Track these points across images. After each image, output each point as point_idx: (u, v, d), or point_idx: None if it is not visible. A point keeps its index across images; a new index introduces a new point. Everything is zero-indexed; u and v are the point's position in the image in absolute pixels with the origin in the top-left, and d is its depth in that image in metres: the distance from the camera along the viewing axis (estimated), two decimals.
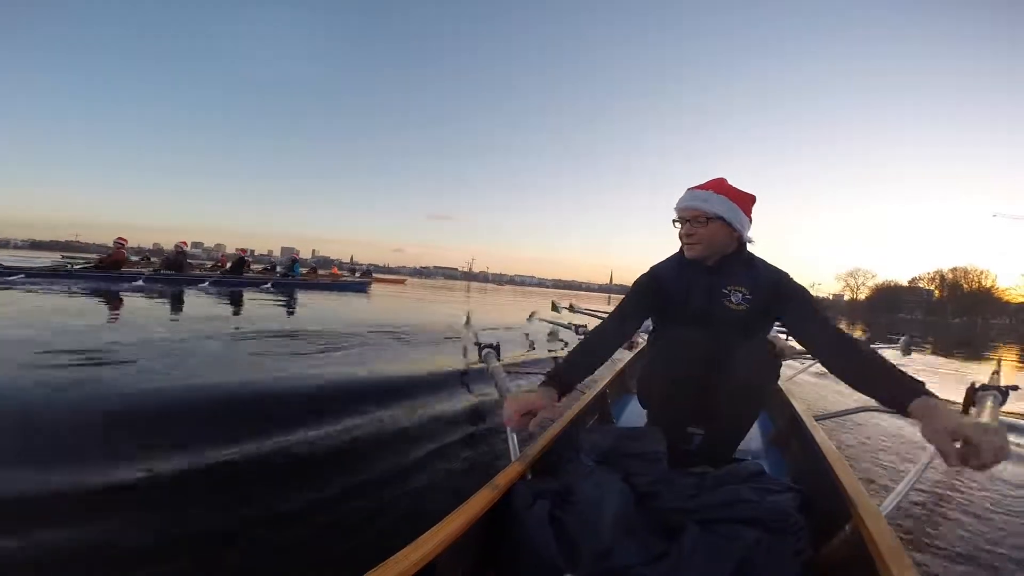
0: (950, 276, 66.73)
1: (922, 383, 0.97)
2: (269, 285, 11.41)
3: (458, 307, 11.58)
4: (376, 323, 6.27)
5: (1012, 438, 2.55)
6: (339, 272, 16.96)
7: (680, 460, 1.22)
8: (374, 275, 19.90)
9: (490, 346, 2.25)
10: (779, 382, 1.79)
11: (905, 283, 72.98)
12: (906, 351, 4.03)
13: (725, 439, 1.36)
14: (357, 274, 16.96)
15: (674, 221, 1.38)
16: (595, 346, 1.35)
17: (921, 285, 70.88)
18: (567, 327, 4.78)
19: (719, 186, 1.33)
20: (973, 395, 1.93)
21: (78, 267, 9.12)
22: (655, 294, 1.41)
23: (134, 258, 10.58)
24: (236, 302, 7.79)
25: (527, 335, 4.73)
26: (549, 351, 4.13)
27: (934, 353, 9.58)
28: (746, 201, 1.34)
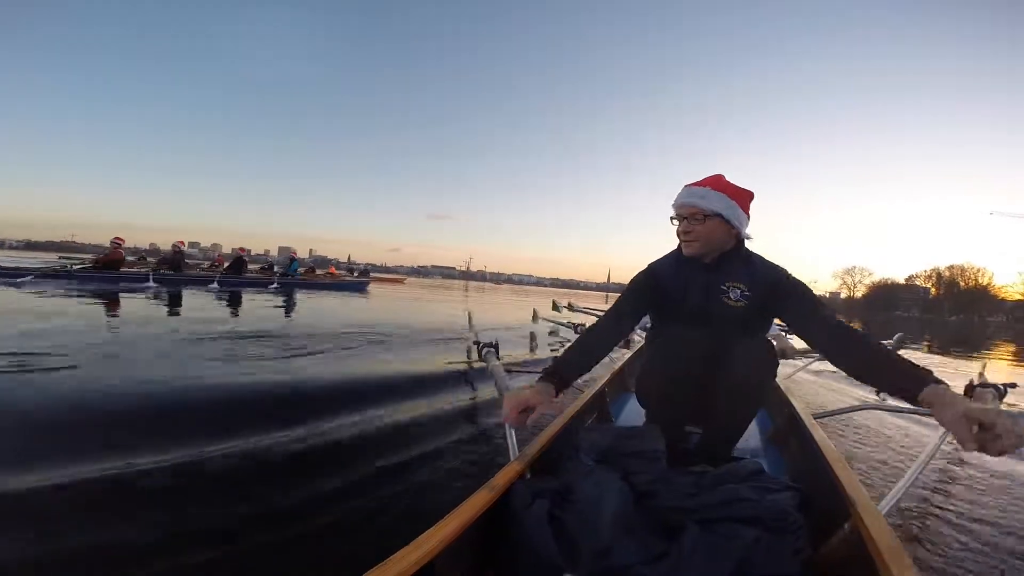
0: (947, 274, 66.97)
1: (930, 371, 0.96)
2: (276, 285, 11.60)
3: (459, 306, 11.59)
4: (383, 323, 6.28)
5: None
6: (336, 272, 16.90)
7: (679, 459, 1.22)
8: (372, 275, 19.87)
9: (490, 345, 2.29)
10: (777, 380, 1.79)
11: (902, 281, 73.23)
12: (897, 349, 4.04)
13: (723, 437, 1.36)
14: (355, 274, 16.92)
15: (672, 218, 1.37)
16: (592, 343, 1.35)
17: (918, 283, 71.09)
18: (567, 326, 4.79)
19: (716, 183, 1.32)
20: (971, 392, 1.93)
21: (76, 268, 9.09)
22: (653, 291, 1.40)
23: (130, 258, 10.54)
24: (245, 301, 7.78)
25: (532, 333, 4.70)
26: (551, 350, 4.13)
27: (930, 351, 9.61)
28: (744, 197, 1.33)
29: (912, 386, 0.94)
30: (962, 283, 64.59)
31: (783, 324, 1.41)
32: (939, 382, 0.93)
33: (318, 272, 15.56)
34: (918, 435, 2.53)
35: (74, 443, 1.80)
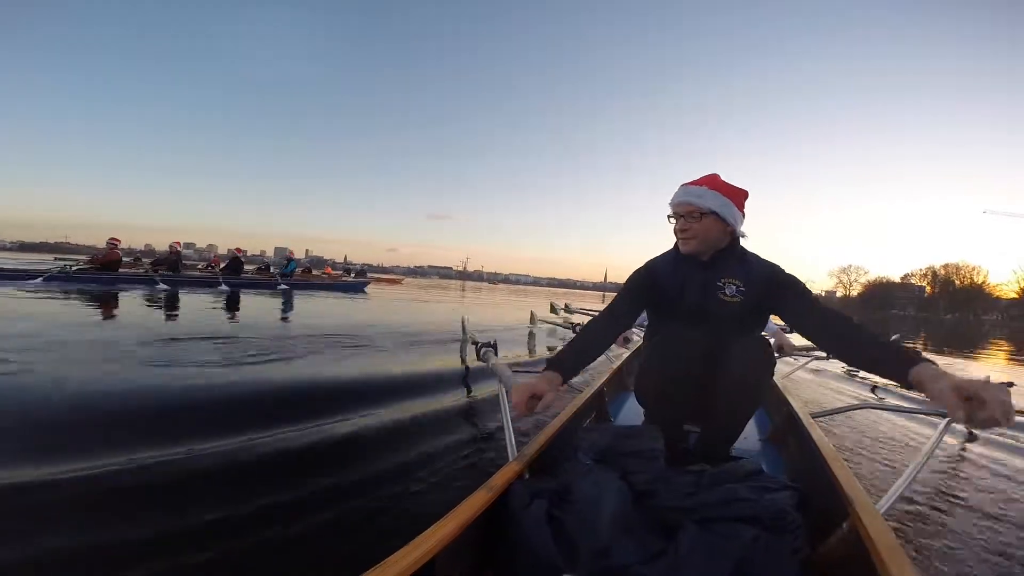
0: (942, 272, 67.32)
1: (919, 352, 0.98)
2: (284, 286, 11.70)
3: (458, 305, 11.54)
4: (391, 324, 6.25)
5: (1012, 434, 2.58)
6: (332, 272, 16.84)
7: (678, 458, 1.23)
8: (370, 275, 19.83)
9: (488, 344, 2.30)
10: (776, 379, 1.79)
11: (897, 279, 73.56)
12: None
13: (722, 436, 1.37)
14: (352, 274, 16.87)
15: (669, 217, 1.40)
16: (592, 336, 1.37)
17: (913, 281, 71.43)
18: (565, 326, 4.79)
19: (712, 182, 1.35)
20: None
21: (74, 269, 9.02)
22: (651, 288, 1.42)
23: (126, 259, 10.48)
24: (256, 304, 7.75)
25: (531, 333, 4.69)
26: (548, 350, 4.14)
27: (926, 350, 9.66)
28: (739, 196, 1.36)
29: (903, 366, 0.96)
30: (957, 282, 64.94)
31: (781, 322, 1.43)
32: (929, 362, 0.95)
33: (315, 272, 15.51)
34: (916, 434, 2.54)
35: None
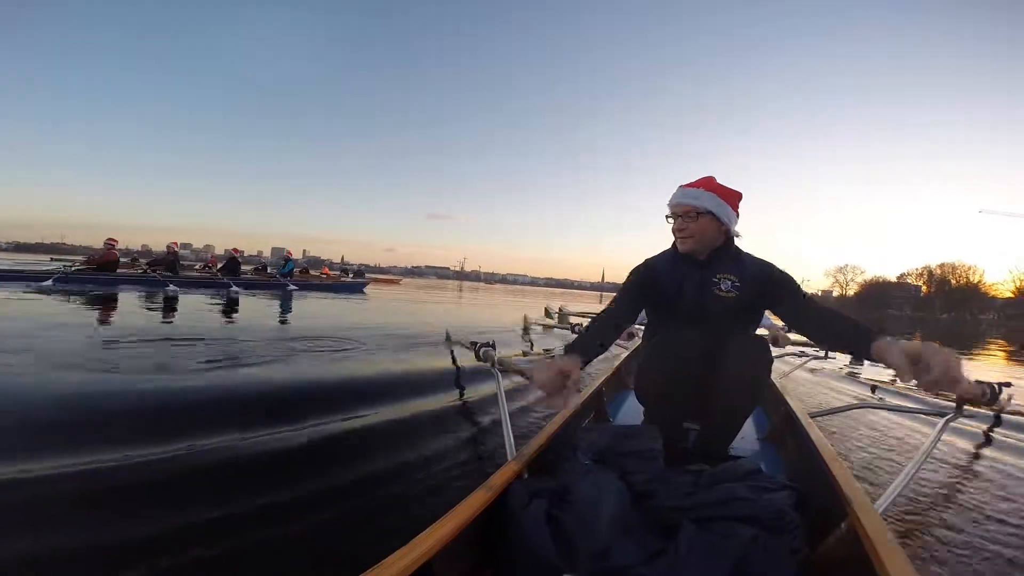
0: (938, 272, 67.41)
1: (884, 329, 1.05)
2: (294, 287, 11.65)
3: (455, 306, 11.51)
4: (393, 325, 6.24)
5: (1009, 434, 2.58)
6: (329, 272, 16.77)
7: (676, 458, 1.23)
8: (368, 275, 19.78)
9: (487, 344, 2.26)
10: (774, 379, 1.80)
11: (894, 279, 73.72)
12: None
13: (721, 434, 1.39)
14: (350, 275, 16.82)
15: (667, 217, 1.45)
16: (604, 325, 1.37)
17: (909, 281, 71.60)
18: (562, 327, 4.79)
19: (708, 183, 1.40)
20: None
21: (72, 270, 8.96)
22: (650, 286, 1.45)
23: (123, 260, 10.40)
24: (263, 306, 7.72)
25: (527, 331, 4.68)
26: (545, 350, 4.14)
27: None
28: (733, 197, 1.41)
29: (866, 342, 1.02)
30: (953, 281, 65.09)
31: (774, 317, 1.45)
32: (889, 336, 1.00)
33: (312, 273, 15.43)
34: (914, 433, 2.54)
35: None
